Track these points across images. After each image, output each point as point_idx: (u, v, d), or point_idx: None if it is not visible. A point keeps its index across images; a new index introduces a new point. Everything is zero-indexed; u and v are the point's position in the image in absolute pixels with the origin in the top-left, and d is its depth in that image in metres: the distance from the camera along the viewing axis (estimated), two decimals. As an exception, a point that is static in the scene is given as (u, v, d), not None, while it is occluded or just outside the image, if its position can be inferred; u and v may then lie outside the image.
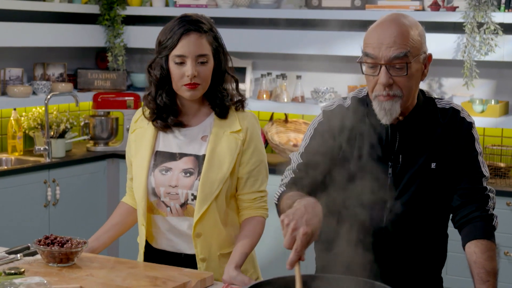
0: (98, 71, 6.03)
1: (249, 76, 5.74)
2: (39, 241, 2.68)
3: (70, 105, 5.89)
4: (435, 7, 4.95)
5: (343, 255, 2.52)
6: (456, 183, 2.55)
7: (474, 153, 2.57)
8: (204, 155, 2.80)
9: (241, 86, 5.63)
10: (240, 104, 2.89)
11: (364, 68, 2.47)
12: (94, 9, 5.90)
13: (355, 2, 5.19)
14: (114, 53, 5.95)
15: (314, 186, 2.57)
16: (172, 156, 2.84)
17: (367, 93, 2.58)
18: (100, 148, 5.65)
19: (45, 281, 2.33)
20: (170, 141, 2.86)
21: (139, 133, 2.92)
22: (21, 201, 4.93)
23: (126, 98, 5.72)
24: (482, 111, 4.84)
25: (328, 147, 2.59)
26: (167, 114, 2.85)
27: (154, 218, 2.86)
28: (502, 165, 4.88)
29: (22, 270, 2.49)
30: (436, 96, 2.63)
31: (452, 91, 5.17)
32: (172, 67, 2.78)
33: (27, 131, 5.49)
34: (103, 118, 5.68)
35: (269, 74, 5.62)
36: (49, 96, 5.23)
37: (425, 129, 2.54)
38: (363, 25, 5.22)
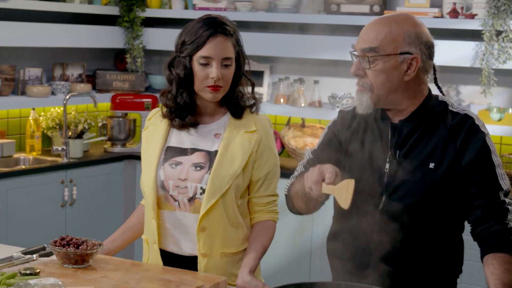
0: (117, 72, 6.06)
1: (266, 80, 5.75)
2: (55, 242, 2.70)
3: (89, 105, 5.92)
4: (454, 14, 4.94)
5: (350, 253, 2.58)
6: (472, 195, 2.53)
7: (491, 167, 2.54)
8: (216, 151, 2.81)
9: (258, 90, 5.68)
10: (254, 107, 2.92)
11: (352, 57, 2.58)
12: (114, 10, 5.93)
13: (374, 8, 5.19)
14: (133, 54, 5.98)
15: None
16: (183, 151, 2.85)
17: None
18: (117, 149, 5.69)
19: (60, 282, 2.35)
20: (183, 137, 2.87)
21: (151, 130, 2.94)
22: (38, 200, 4.96)
23: (144, 99, 5.75)
24: (500, 120, 4.82)
25: (336, 145, 2.67)
26: (186, 113, 2.86)
27: (161, 213, 2.85)
28: (518, 173, 4.86)
29: (38, 270, 2.51)
30: (453, 102, 2.63)
31: (469, 98, 5.16)
32: (197, 67, 2.78)
33: (45, 131, 5.53)
34: (120, 119, 5.72)
35: (286, 78, 5.64)
36: (67, 97, 5.27)
37: (428, 129, 2.55)
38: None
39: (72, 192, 5.15)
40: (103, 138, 5.71)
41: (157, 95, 5.78)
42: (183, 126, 2.87)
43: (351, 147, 2.63)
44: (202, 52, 2.76)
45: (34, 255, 2.77)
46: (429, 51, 2.54)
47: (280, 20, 5.51)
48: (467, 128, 2.54)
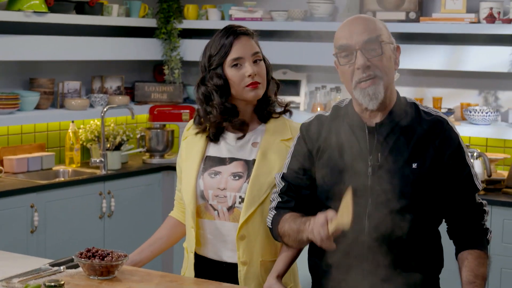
0: (155, 84, 6.09)
1: (303, 89, 5.73)
2: (81, 253, 2.72)
3: (128, 117, 5.96)
4: (491, 19, 4.88)
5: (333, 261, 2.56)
6: (451, 195, 2.55)
7: (467, 168, 2.56)
8: (254, 160, 2.84)
9: (295, 99, 5.67)
10: (288, 112, 2.96)
11: (340, 60, 2.52)
12: (151, 22, 5.97)
13: (410, 14, 5.15)
14: (171, 66, 6.01)
15: (302, 204, 2.65)
16: (222, 161, 2.88)
17: (349, 101, 2.62)
18: (156, 160, 5.71)
19: (82, 294, 2.37)
20: (221, 147, 2.91)
21: (190, 140, 2.97)
22: (77, 212, 5.00)
23: (182, 111, 5.77)
24: (539, 125, 4.75)
25: (307, 162, 2.64)
26: (232, 116, 2.85)
27: (201, 222, 2.89)
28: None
29: (62, 282, 2.52)
30: (419, 103, 2.63)
31: (508, 104, 5.09)
32: (230, 72, 2.82)
33: (84, 143, 5.57)
34: (158, 130, 5.75)
35: (323, 87, 5.61)
36: (105, 109, 5.31)
37: (406, 131, 2.53)
38: (419, 37, 5.18)
39: (110, 203, 5.19)
40: (141, 149, 5.74)
41: (195, 106, 5.79)
42: (216, 138, 2.89)
43: (326, 157, 2.59)
44: (232, 55, 2.81)
45: (62, 267, 2.79)
46: None
47: (316, 28, 5.48)
48: (444, 129, 2.54)
